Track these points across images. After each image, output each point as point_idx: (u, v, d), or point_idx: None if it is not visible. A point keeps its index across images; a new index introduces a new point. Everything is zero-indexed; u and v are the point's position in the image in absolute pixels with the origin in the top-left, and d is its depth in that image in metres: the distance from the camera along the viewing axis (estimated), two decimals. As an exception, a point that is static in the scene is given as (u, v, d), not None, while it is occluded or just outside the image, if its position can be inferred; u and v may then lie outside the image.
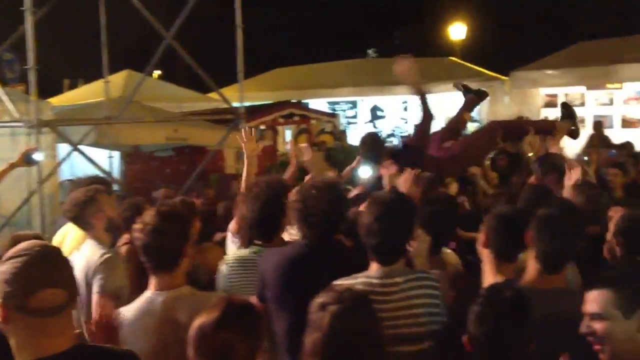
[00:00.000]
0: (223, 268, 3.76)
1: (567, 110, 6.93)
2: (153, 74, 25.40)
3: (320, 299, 2.46)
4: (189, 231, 3.17)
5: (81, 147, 7.72)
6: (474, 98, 7.06)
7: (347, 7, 28.48)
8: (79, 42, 17.72)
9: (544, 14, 26.68)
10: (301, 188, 3.48)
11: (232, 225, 4.45)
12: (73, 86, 17.17)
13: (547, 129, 6.60)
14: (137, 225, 3.12)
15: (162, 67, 27.29)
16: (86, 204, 4.10)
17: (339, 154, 10.43)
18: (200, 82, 8.62)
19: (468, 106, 7.10)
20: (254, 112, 11.49)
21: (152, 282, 3.07)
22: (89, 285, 3.80)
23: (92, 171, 6.75)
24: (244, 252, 3.76)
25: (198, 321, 2.40)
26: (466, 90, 7.06)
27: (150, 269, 3.07)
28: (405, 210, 3.02)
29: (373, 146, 5.83)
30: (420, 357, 2.85)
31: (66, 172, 9.26)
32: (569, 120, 6.75)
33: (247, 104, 12.52)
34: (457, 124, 6.94)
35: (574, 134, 6.78)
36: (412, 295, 2.89)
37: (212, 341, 2.34)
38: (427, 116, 6.27)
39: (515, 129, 6.90)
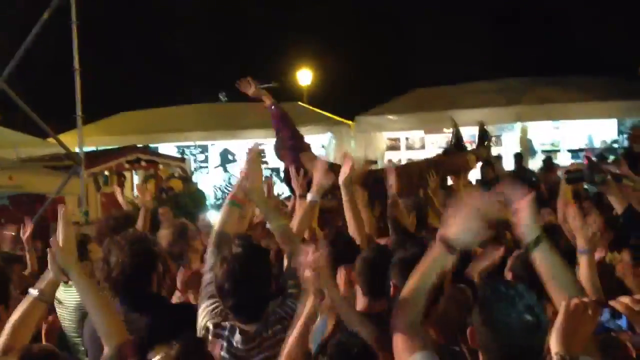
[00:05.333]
0: None
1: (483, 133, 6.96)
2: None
3: None
4: (6, 292, 2.94)
5: None
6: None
7: (196, 51, 28.39)
8: None
9: (382, 61, 28.03)
10: (108, 241, 3.24)
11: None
12: None
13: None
14: None
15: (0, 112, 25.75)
16: None
17: (185, 200, 10.22)
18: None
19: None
20: (96, 158, 11.08)
21: None
22: None
23: None
24: None
25: None
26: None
27: None
28: (256, 265, 2.81)
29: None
30: None
31: None
32: (482, 148, 6.79)
33: (89, 149, 12.12)
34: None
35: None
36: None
37: None
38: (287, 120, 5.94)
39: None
